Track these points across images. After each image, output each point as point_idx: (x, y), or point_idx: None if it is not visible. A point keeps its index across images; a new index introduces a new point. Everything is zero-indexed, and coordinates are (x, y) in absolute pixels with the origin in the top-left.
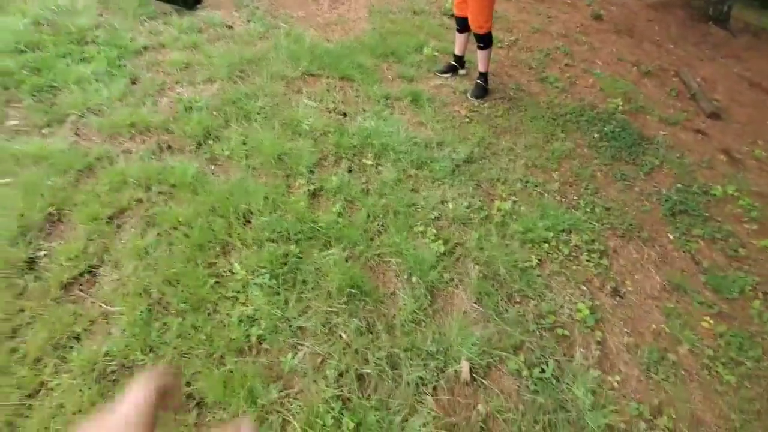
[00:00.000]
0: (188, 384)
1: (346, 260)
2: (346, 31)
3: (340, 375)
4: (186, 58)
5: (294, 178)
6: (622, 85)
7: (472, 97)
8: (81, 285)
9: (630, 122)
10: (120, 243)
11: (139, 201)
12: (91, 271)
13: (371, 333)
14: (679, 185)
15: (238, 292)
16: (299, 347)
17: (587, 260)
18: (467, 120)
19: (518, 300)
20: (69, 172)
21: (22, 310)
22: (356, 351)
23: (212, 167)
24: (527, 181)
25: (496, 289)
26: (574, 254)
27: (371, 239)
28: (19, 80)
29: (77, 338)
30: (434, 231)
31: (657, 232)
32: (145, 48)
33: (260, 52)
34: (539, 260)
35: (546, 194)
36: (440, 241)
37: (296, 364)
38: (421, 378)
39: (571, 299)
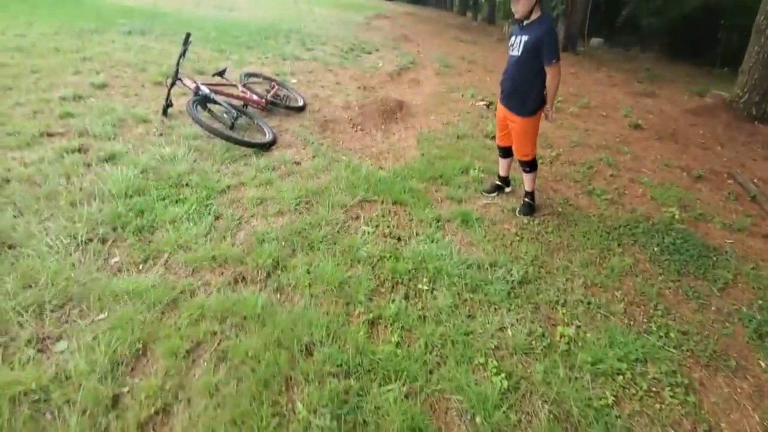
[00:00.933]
0: None
1: (406, 397)
2: (397, 158)
3: None
4: (261, 194)
5: (353, 306)
6: (674, 192)
7: (520, 214)
8: (155, 425)
9: (691, 232)
10: (193, 379)
11: (214, 334)
12: (165, 409)
13: None
14: (760, 302)
15: None
16: None
17: (671, 397)
18: (518, 238)
19: None
20: (157, 306)
21: None
22: None
23: (279, 296)
24: (589, 303)
25: None
26: (654, 389)
27: (430, 372)
28: (125, 222)
29: None
30: (495, 363)
31: (746, 359)
32: (228, 187)
33: (323, 184)
34: (615, 397)
35: (611, 317)
36: (503, 375)
37: None
38: None
39: None
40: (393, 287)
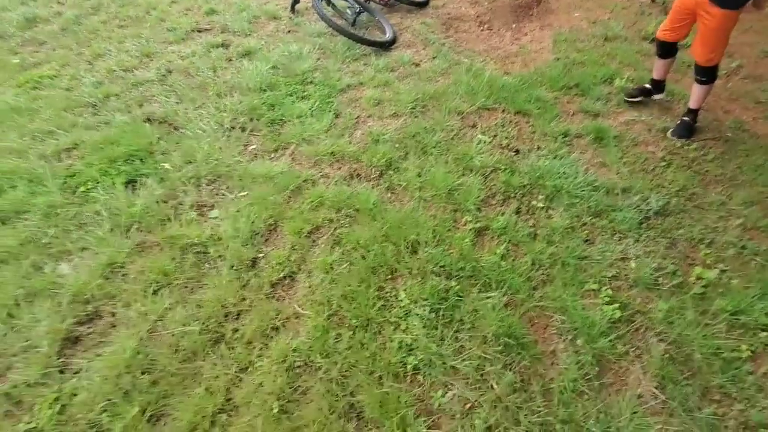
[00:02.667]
0: (352, 394)
1: (505, 306)
2: (526, 63)
3: (488, 429)
4: (378, 95)
5: (461, 214)
6: None
7: (673, 136)
8: (283, 287)
9: None
10: (313, 256)
11: (330, 221)
12: (291, 276)
13: (525, 392)
14: None
15: (401, 318)
16: (450, 387)
17: None
18: (664, 164)
19: (717, 398)
20: (285, 191)
21: (244, 299)
22: (507, 407)
23: (389, 195)
24: (743, 247)
25: (687, 378)
26: None
27: (534, 288)
28: (260, 114)
29: (276, 330)
30: (610, 292)
31: None
32: (348, 86)
33: (441, 88)
34: (752, 352)
35: None
36: (616, 305)
37: (445, 403)
38: None
39: None
40: (504, 200)
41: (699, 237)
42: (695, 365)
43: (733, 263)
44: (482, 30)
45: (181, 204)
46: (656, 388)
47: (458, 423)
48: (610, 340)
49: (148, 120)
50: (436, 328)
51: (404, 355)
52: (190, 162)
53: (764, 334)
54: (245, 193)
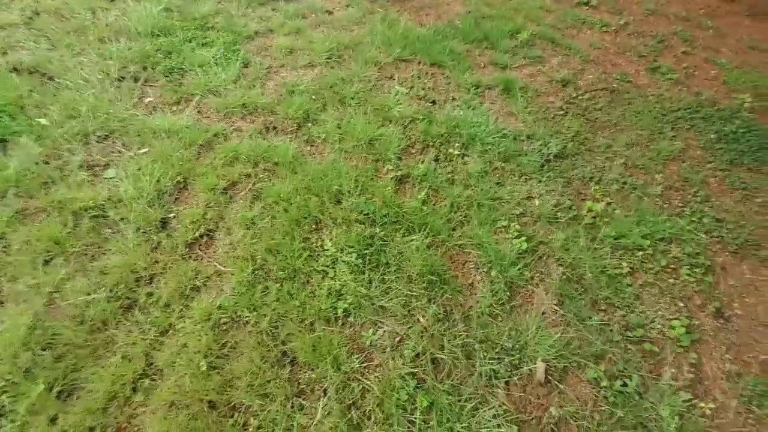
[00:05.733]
0: (283, 343)
1: (428, 247)
2: (439, 14)
3: (417, 356)
4: (290, 44)
5: (383, 163)
6: (752, 77)
7: None
8: (200, 246)
9: (758, 122)
10: (232, 212)
11: (248, 176)
12: (208, 234)
13: (448, 321)
14: None
15: (328, 266)
16: (380, 325)
17: (688, 275)
18: (562, 112)
19: (603, 308)
20: (193, 146)
21: (157, 262)
22: (432, 336)
23: (309, 148)
24: (624, 182)
25: (580, 294)
26: (672, 266)
27: (453, 229)
28: (154, 62)
29: (197, 290)
30: (518, 227)
31: None
32: (256, 33)
33: (357, 37)
34: (631, 269)
35: (645, 198)
36: (523, 238)
37: (376, 340)
38: (494, 371)
39: (665, 315)
40: (423, 149)
41: (589, 176)
42: (587, 283)
43: (616, 197)
44: None
45: (67, 164)
46: (556, 304)
47: (389, 355)
48: (519, 269)
49: (15, 70)
50: (364, 273)
51: (334, 300)
52: (74, 117)
53: (640, 253)
54: (146, 149)
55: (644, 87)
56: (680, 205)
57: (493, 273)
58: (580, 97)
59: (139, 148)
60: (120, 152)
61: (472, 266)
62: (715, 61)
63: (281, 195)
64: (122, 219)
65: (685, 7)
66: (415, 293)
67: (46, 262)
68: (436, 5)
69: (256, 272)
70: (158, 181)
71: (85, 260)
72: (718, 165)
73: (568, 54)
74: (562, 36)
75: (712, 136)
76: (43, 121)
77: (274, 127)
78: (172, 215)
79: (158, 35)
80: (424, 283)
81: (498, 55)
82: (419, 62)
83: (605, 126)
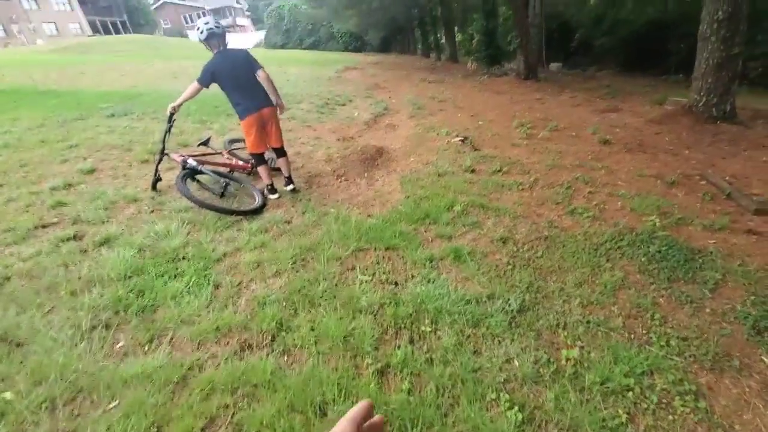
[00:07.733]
0: None
1: None
2: (383, 204)
3: None
4: (257, 257)
5: (361, 358)
6: (651, 200)
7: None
8: None
9: (674, 238)
10: None
11: (226, 407)
12: None
13: None
14: (753, 297)
15: None
16: None
17: (682, 406)
18: (510, 267)
19: None
20: (167, 386)
21: None
22: None
23: (286, 359)
24: (588, 322)
25: None
26: (665, 401)
27: (445, 415)
28: (126, 304)
29: None
30: (507, 396)
31: (748, 356)
32: (225, 254)
33: (316, 239)
34: (628, 414)
35: (612, 333)
36: (516, 408)
37: None
38: None
39: None
40: (397, 333)
41: (555, 323)
42: None
43: (585, 338)
44: (341, 182)
45: None
46: None
47: None
48: None
49: None
50: None
51: None
52: (40, 383)
53: (630, 393)
54: (115, 403)
55: (570, 228)
56: (644, 332)
57: None
58: (520, 250)
59: (109, 403)
60: (87, 413)
61: None
62: (617, 194)
63: (263, 422)
64: None
65: (576, 157)
66: None
67: None
68: (378, 197)
69: None
70: None
71: None
72: (660, 284)
73: (499, 215)
74: (489, 200)
75: (643, 259)
76: (7, 395)
77: (249, 345)
78: None
79: (130, 276)
80: None
81: (441, 228)
82: (375, 249)
83: (551, 271)
